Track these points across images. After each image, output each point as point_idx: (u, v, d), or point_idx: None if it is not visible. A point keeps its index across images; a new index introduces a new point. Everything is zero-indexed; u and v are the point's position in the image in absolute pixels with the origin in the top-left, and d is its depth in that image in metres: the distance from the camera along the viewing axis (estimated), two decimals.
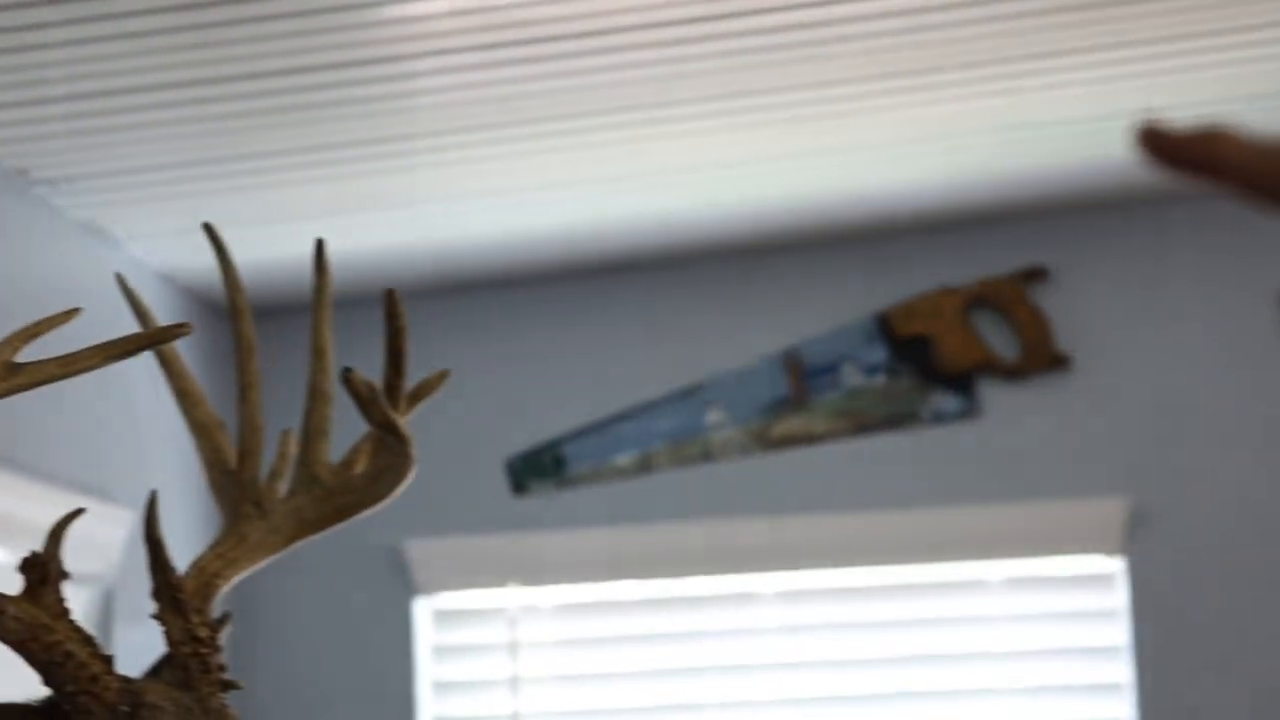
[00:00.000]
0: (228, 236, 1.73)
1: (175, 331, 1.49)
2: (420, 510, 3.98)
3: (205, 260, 1.80)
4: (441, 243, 3.93)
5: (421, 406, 1.72)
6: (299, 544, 1.66)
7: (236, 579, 1.60)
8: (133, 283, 1.81)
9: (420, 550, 4.10)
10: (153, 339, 1.56)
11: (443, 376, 1.73)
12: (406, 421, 1.64)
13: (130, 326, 1.62)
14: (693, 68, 3.03)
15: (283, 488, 1.66)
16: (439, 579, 4.11)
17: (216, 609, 1.56)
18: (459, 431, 4.07)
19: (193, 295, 4.00)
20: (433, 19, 2.80)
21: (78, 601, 1.52)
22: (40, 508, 2.85)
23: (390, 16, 2.79)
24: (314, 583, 4.11)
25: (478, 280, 4.13)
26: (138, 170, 3.36)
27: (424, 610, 4.13)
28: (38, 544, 1.46)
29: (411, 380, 1.67)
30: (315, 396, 1.67)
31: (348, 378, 1.56)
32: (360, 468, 1.66)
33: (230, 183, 3.44)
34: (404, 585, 4.11)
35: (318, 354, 1.68)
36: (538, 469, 4.12)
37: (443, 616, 4.14)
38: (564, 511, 4.09)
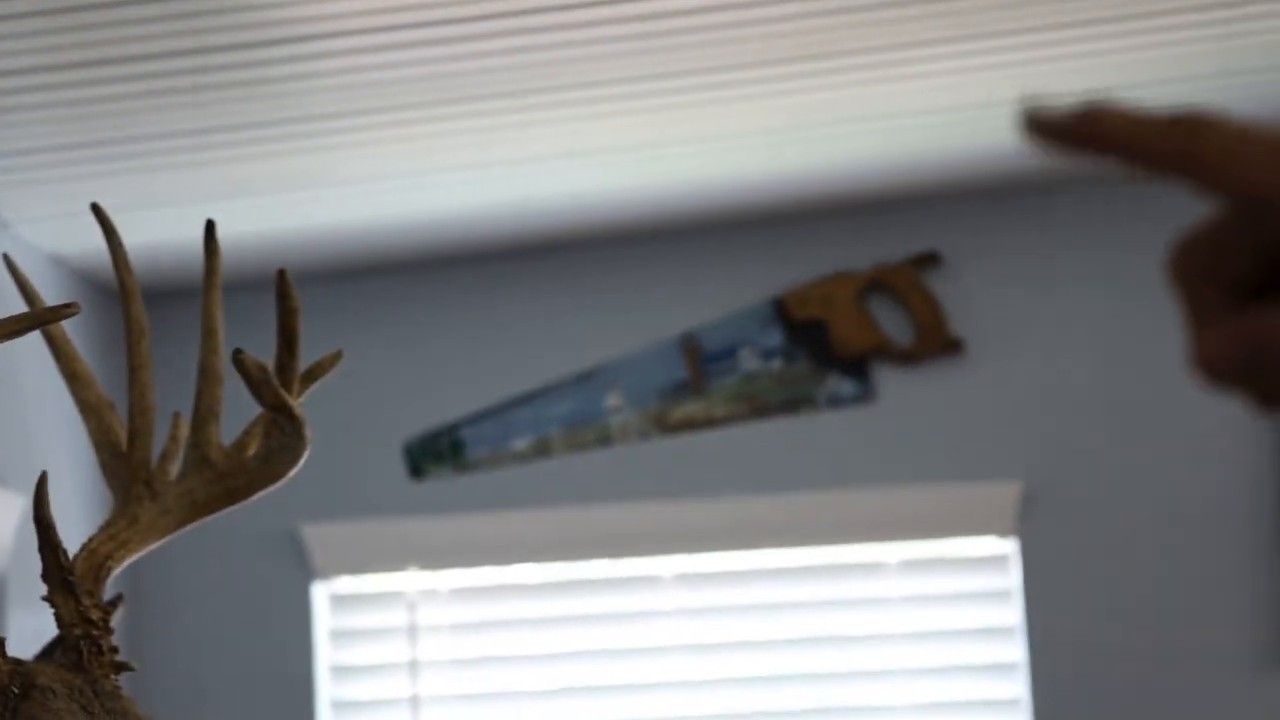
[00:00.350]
0: (118, 219, 1.72)
1: (63, 311, 1.48)
2: (317, 494, 3.97)
3: (95, 243, 1.79)
4: (336, 226, 3.91)
5: (318, 389, 1.72)
6: (192, 526, 1.66)
7: (129, 561, 1.59)
8: (22, 265, 1.79)
9: (317, 534, 4.08)
10: (40, 319, 1.55)
11: (336, 357, 1.73)
12: (300, 403, 1.64)
13: (18, 309, 1.60)
14: (587, 52, 3.03)
15: (174, 469, 1.65)
16: (336, 563, 4.10)
17: (109, 591, 1.56)
18: (356, 415, 4.05)
19: (83, 278, 3.96)
20: (325, 1, 2.79)
21: None
22: None
23: None
24: (211, 566, 4.08)
25: (374, 264, 4.12)
26: (27, 152, 3.31)
27: (322, 594, 4.11)
28: None
29: (305, 362, 1.67)
30: (206, 377, 1.66)
31: (238, 359, 1.56)
32: (253, 450, 1.65)
33: (121, 165, 3.41)
34: (301, 569, 4.09)
35: (208, 335, 1.67)
36: (435, 453, 4.11)
37: (341, 601, 4.12)
38: (462, 495, 4.09)
